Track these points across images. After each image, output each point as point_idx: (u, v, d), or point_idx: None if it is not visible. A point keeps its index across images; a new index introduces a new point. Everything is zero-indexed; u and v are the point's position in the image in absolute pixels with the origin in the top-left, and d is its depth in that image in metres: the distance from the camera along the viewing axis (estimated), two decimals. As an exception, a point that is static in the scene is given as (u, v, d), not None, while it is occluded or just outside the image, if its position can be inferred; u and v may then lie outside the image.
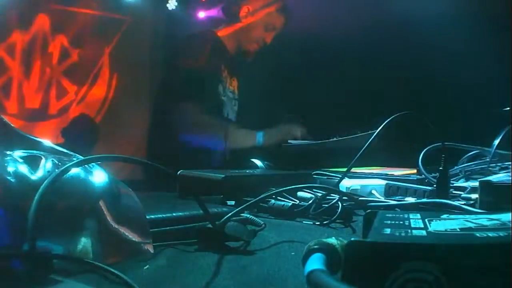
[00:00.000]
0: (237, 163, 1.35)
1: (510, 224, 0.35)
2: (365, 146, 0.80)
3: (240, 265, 0.48)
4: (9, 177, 0.45)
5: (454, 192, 0.80)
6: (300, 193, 0.80)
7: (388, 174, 0.97)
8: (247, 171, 1.06)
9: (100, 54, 2.48)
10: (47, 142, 0.56)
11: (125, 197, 0.54)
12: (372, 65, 1.71)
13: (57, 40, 2.39)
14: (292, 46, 1.90)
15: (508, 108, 1.05)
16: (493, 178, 0.77)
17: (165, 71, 1.74)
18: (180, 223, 0.59)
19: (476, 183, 0.71)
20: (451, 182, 0.82)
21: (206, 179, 0.89)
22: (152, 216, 0.57)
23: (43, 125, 2.36)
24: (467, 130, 1.26)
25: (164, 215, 0.59)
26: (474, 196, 0.71)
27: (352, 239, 0.31)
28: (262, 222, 0.60)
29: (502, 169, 0.91)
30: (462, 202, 0.71)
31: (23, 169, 0.47)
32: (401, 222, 0.38)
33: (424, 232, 0.34)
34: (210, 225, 0.54)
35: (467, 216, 0.40)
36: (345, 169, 0.84)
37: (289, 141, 1.56)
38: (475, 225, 0.36)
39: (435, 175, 0.81)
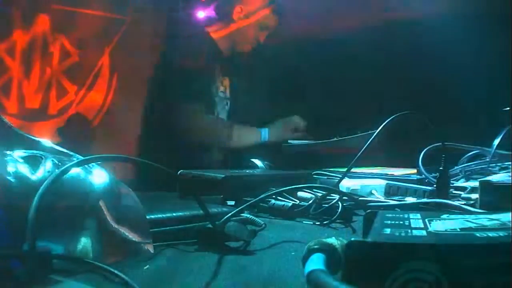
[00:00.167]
0: (237, 163, 1.35)
1: (510, 224, 0.35)
2: (365, 146, 0.80)
3: (240, 265, 0.48)
4: (9, 177, 0.45)
5: (454, 192, 0.80)
6: (300, 193, 0.80)
7: (388, 174, 0.97)
8: (247, 171, 1.06)
9: (100, 54, 2.48)
10: (47, 142, 0.56)
11: (125, 197, 0.54)
12: (372, 65, 1.70)
13: (57, 40, 2.39)
14: (292, 46, 1.90)
15: (508, 108, 1.05)
16: (493, 178, 0.77)
17: (163, 71, 1.74)
18: (180, 223, 0.58)
19: (476, 183, 0.71)
20: (451, 182, 0.82)
21: (206, 179, 0.89)
22: (152, 216, 0.57)
23: (43, 125, 2.36)
24: (467, 130, 1.26)
25: (164, 215, 0.59)
26: (474, 196, 0.71)
27: (352, 239, 0.31)
28: (262, 222, 0.60)
29: (502, 169, 0.91)
30: (462, 202, 0.71)
31: (23, 169, 0.47)
32: (401, 222, 0.38)
33: (424, 232, 0.34)
34: (210, 225, 0.54)
35: (467, 216, 0.40)
36: (345, 169, 0.84)
37: (289, 141, 1.56)
38: (475, 225, 0.36)
39: (435, 175, 0.81)
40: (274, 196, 0.76)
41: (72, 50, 2.42)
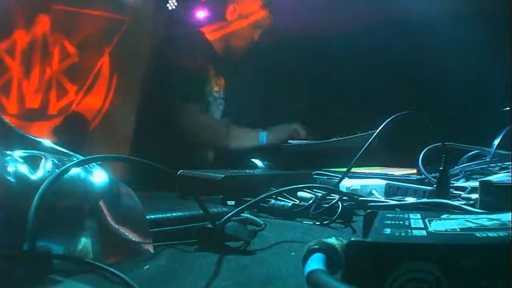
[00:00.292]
0: (237, 163, 1.35)
1: (510, 224, 0.35)
2: (365, 146, 0.80)
3: (240, 265, 0.48)
4: (9, 177, 0.45)
5: (454, 192, 0.80)
6: (300, 193, 0.80)
7: (388, 174, 0.97)
8: (247, 171, 1.06)
9: (100, 54, 2.48)
10: (47, 142, 0.56)
11: (125, 197, 0.54)
12: (372, 64, 1.70)
13: (57, 40, 2.39)
14: (292, 46, 1.90)
15: (508, 108, 1.05)
16: (493, 178, 0.77)
17: (162, 72, 1.73)
18: (180, 223, 0.58)
19: (476, 183, 0.71)
20: (451, 182, 0.82)
21: (206, 179, 0.89)
22: (152, 216, 0.57)
23: (43, 125, 2.36)
24: (467, 130, 1.26)
25: (164, 215, 0.59)
26: (474, 196, 0.71)
27: (352, 239, 0.31)
28: (262, 222, 0.60)
29: (502, 169, 0.91)
30: (462, 202, 0.71)
31: (23, 169, 0.47)
32: (401, 222, 0.38)
33: (424, 232, 0.34)
34: (210, 225, 0.54)
35: (467, 216, 0.40)
36: (345, 169, 0.83)
37: (289, 141, 1.56)
38: (475, 225, 0.36)
39: (435, 175, 0.81)
40: (274, 196, 0.76)
41: (72, 50, 2.42)
